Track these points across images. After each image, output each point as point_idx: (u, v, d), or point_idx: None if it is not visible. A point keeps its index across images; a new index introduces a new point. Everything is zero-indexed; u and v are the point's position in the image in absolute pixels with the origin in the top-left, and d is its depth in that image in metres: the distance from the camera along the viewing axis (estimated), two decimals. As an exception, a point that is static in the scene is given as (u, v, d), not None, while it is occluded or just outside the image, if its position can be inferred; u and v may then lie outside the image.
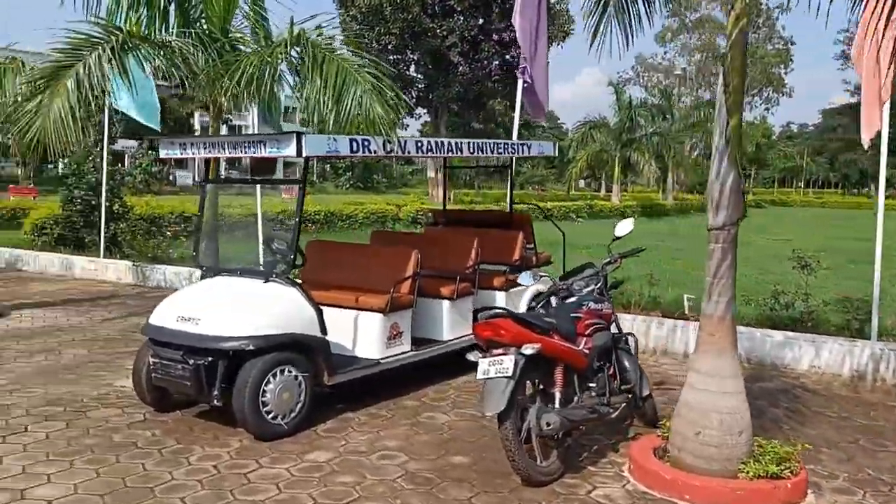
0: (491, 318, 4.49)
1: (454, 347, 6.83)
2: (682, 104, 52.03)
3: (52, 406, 5.91)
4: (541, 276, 7.98)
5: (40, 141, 5.50)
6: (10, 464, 4.73)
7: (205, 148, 5.78)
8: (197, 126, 63.85)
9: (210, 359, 5.18)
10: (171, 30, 6.60)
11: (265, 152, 5.37)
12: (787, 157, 56.70)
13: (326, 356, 5.59)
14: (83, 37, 5.72)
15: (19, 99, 7.56)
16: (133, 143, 61.03)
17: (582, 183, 40.44)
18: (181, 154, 5.93)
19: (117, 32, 5.80)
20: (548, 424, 4.44)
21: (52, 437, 5.22)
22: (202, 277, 6.35)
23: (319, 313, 5.57)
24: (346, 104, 5.72)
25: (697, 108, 42.14)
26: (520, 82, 9.32)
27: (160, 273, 12.30)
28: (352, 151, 5.65)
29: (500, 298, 7.49)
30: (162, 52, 6.07)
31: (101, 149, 14.35)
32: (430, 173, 32.55)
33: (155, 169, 61.28)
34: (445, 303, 6.78)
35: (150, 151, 58.85)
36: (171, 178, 61.62)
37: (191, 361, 5.17)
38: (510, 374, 4.33)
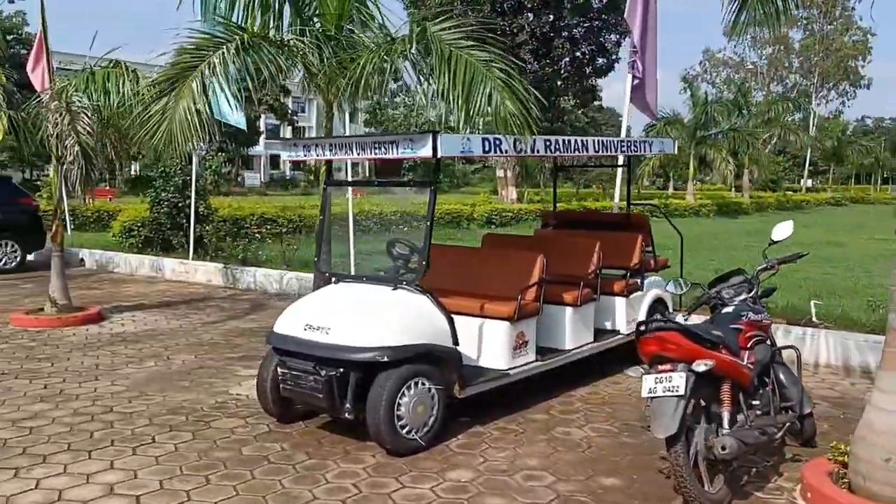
0: (657, 331, 4.13)
1: (578, 357, 6.49)
2: (754, 99, 50.43)
3: (174, 415, 5.79)
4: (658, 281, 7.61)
5: (166, 144, 5.36)
6: (147, 479, 4.58)
7: (330, 150, 5.57)
8: (262, 128, 64.82)
9: (342, 370, 4.96)
10: (285, 29, 6.42)
11: (398, 153, 5.12)
12: (867, 153, 54.45)
13: (458, 367, 5.31)
14: (206, 36, 5.57)
15: (134, 102, 7.55)
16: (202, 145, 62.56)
17: (646, 181, 39.42)
18: (304, 156, 5.73)
19: (240, 32, 5.63)
20: (723, 448, 4.06)
21: (182, 450, 5.07)
22: (320, 284, 6.16)
23: (451, 322, 5.30)
24: (476, 101, 5.43)
25: (774, 104, 40.78)
26: (628, 78, 8.90)
27: (250, 275, 12.26)
28: (484, 151, 5.37)
29: (620, 305, 7.13)
30: (281, 52, 5.88)
31: (197, 151, 14.46)
32: (500, 172, 32.14)
33: (224, 170, 62.64)
34: (568, 310, 6.44)
35: (219, 153, 60.04)
36: (238, 179, 62.74)
37: (323, 373, 4.96)
38: (681, 392, 3.98)
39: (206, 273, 12.95)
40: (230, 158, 67.02)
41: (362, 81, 5.85)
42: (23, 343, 8.13)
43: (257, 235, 13.78)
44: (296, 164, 54.63)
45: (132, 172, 60.60)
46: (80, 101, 8.28)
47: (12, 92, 10.14)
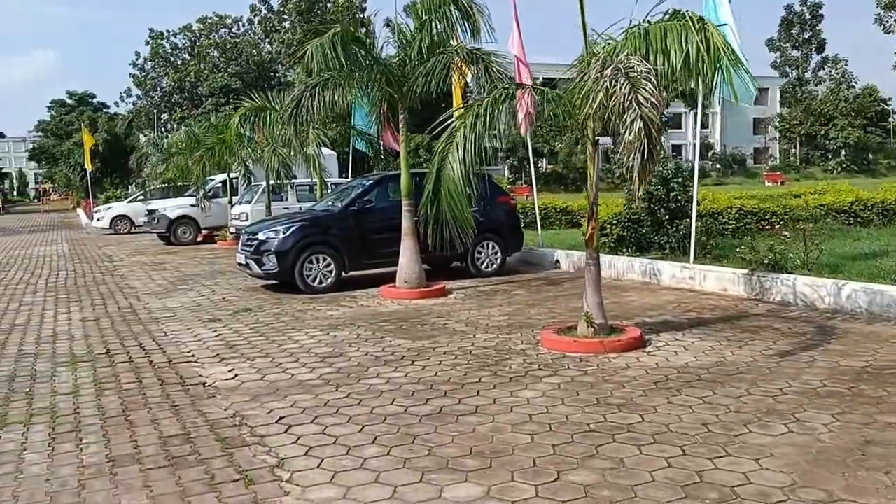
0: None
1: None
2: None
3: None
4: None
5: None
6: None
7: None
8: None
9: None
10: None
11: None
12: None
13: None
14: None
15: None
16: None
17: None
18: None
19: None
20: None
21: None
22: None
23: None
24: None
25: None
26: None
27: (786, 285, 9.51)
28: None
29: None
30: None
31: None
32: None
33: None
34: None
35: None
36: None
37: None
38: None
39: (718, 280, 10.53)
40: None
41: None
42: (577, 377, 6.42)
43: (785, 234, 11.01)
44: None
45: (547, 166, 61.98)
46: (640, 66, 6.30)
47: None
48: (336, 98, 11.25)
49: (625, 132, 6.05)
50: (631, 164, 6.28)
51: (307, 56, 10.24)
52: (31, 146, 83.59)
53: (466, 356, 7.28)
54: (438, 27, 10.78)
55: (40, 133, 74.10)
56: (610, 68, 6.27)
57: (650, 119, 6.02)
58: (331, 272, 11.82)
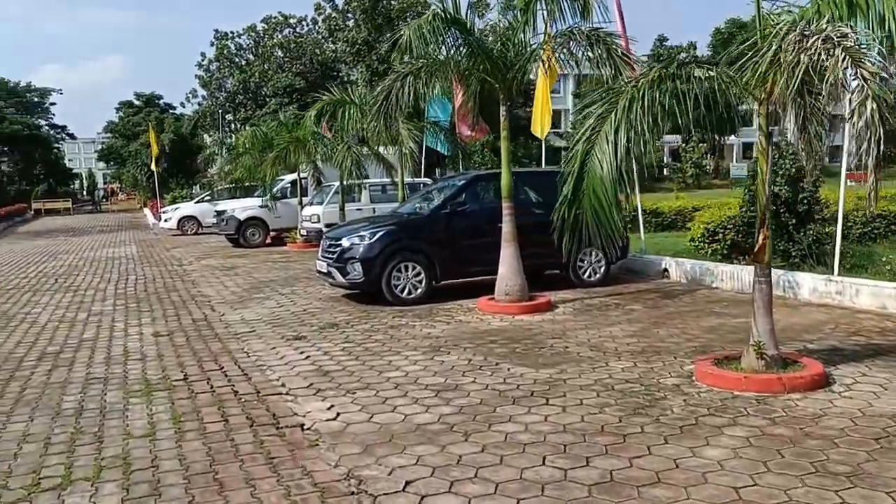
0: None
1: None
2: None
3: None
4: None
5: None
6: None
7: None
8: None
9: None
10: None
11: None
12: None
13: None
14: None
15: None
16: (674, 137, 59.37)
17: None
18: None
19: None
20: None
21: None
22: None
23: None
24: None
25: None
26: None
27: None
28: None
29: None
30: None
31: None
32: None
33: (704, 163, 58.54)
34: None
35: (700, 144, 56.19)
36: (718, 169, 58.16)
37: None
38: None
39: (875, 296, 9.01)
40: (711, 148, 62.88)
41: None
42: (766, 428, 5.08)
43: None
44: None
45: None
46: (851, 34, 4.93)
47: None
48: (427, 89, 10.15)
49: (851, 118, 4.70)
50: (859, 157, 4.91)
51: (403, 40, 9.12)
52: (99, 147, 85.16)
53: (610, 393, 6.01)
54: (545, 6, 9.52)
55: (109, 134, 75.26)
56: (817, 38, 4.90)
57: (882, 99, 4.65)
58: (421, 282, 10.67)
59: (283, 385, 6.59)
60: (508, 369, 6.88)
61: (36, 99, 78.63)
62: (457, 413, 5.63)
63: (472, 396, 6.05)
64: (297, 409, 5.88)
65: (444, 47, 9.44)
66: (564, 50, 9.24)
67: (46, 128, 78.20)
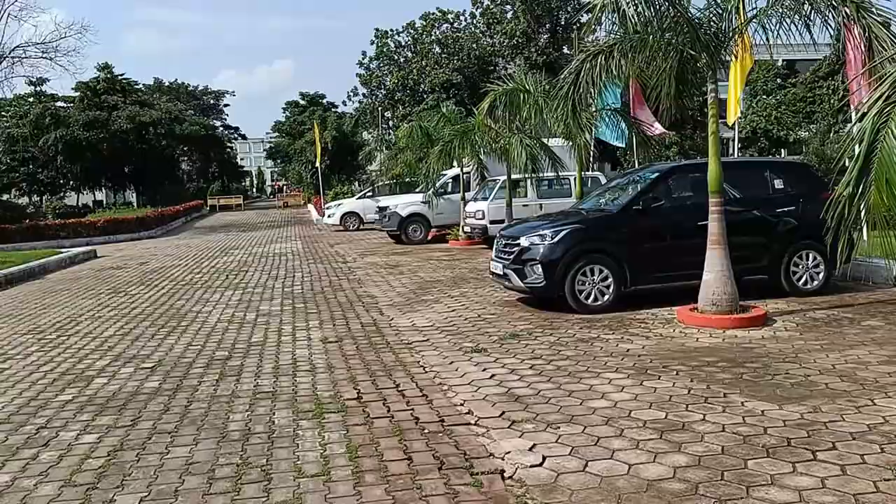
0: None
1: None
2: None
3: None
4: None
5: None
6: None
7: None
8: None
9: None
10: None
11: None
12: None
13: None
14: None
15: None
16: None
17: None
18: None
19: None
20: None
21: None
22: None
23: None
24: None
25: None
26: None
27: None
28: None
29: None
30: None
31: None
32: None
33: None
34: None
35: None
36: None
37: None
38: None
39: None
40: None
41: None
42: None
43: None
44: None
45: None
46: None
47: None
48: (619, 71, 8.91)
49: None
50: None
51: (595, 11, 7.94)
52: (267, 146, 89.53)
53: (897, 448, 4.58)
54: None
55: (276, 133, 78.75)
56: None
57: None
58: (608, 287, 9.44)
59: (469, 412, 5.63)
60: (742, 403, 5.56)
61: (212, 101, 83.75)
62: (695, 466, 4.42)
63: (707, 442, 4.81)
64: (492, 446, 4.89)
65: (643, 18, 8.15)
66: (796, 15, 7.69)
67: (221, 128, 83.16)
